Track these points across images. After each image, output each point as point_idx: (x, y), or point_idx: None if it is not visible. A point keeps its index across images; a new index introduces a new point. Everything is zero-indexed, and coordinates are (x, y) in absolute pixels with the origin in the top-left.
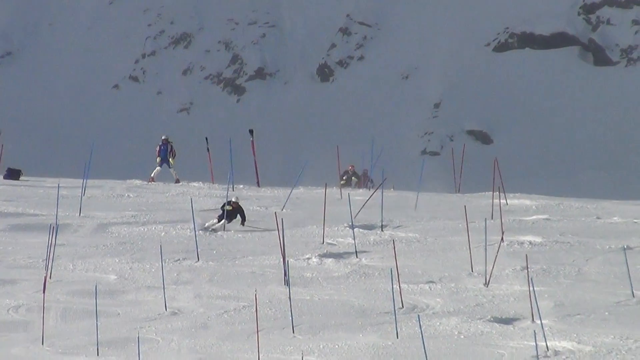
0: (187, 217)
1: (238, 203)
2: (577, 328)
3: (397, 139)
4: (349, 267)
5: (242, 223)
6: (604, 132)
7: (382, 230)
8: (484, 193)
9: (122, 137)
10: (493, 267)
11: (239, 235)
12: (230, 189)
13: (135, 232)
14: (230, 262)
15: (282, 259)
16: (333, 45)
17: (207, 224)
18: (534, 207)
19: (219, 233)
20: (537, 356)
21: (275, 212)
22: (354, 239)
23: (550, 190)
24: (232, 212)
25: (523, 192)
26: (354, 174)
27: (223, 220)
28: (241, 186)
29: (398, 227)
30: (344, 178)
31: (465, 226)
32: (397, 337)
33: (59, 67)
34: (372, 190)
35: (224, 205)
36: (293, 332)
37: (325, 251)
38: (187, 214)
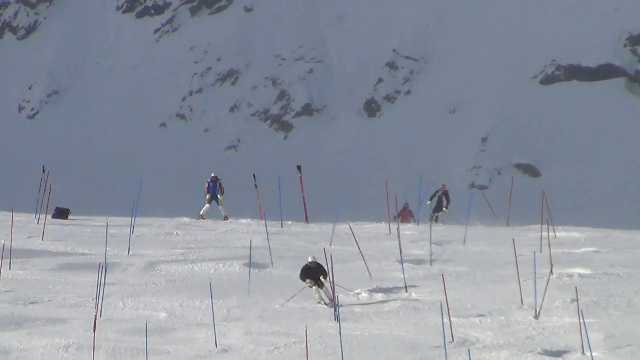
0: (237, 254)
1: (316, 262)
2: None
3: (445, 173)
4: (399, 301)
5: (325, 278)
6: None
7: (431, 264)
8: (532, 226)
9: (169, 175)
10: (543, 300)
11: (288, 271)
12: (279, 226)
13: (184, 269)
14: (279, 298)
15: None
16: (380, 80)
17: (320, 302)
18: (582, 239)
19: (268, 269)
20: None
21: (324, 248)
22: (404, 273)
23: (599, 222)
24: (314, 271)
25: (571, 225)
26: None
27: (314, 286)
28: (290, 222)
29: (447, 261)
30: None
31: (514, 259)
32: None
33: (106, 105)
34: (417, 224)
35: (303, 273)
36: None
37: (374, 286)
38: (236, 251)
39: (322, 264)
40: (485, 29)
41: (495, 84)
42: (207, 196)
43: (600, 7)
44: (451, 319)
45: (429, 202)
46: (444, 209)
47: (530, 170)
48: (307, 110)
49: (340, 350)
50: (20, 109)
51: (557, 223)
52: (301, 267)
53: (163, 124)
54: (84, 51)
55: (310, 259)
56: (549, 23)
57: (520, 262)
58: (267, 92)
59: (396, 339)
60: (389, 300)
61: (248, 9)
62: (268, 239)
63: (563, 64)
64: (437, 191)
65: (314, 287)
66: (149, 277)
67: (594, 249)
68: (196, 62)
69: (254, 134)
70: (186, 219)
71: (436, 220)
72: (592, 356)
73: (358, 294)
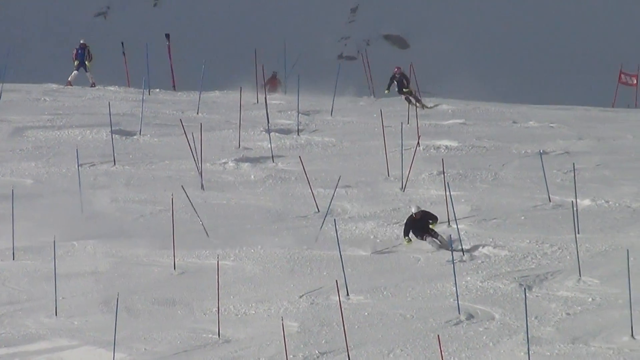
0: (104, 121)
1: (422, 211)
2: (493, 232)
3: (313, 44)
4: (266, 171)
5: (434, 223)
6: (520, 35)
7: (298, 134)
8: (400, 97)
9: (38, 41)
10: (409, 172)
11: (155, 139)
12: (147, 93)
13: (51, 136)
14: (146, 166)
15: (197, 164)
16: None
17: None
18: (450, 111)
19: (135, 137)
20: (453, 260)
21: (180, 120)
22: (270, 143)
23: (467, 95)
24: (421, 221)
25: (439, 97)
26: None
27: (428, 238)
28: (157, 90)
29: (314, 131)
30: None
31: (382, 130)
32: (315, 241)
33: None
34: (284, 93)
35: (408, 227)
36: (208, 236)
37: (241, 155)
38: (104, 117)
39: (428, 211)
40: None
41: None
42: (75, 63)
43: None
44: (318, 189)
45: (387, 91)
46: (404, 90)
47: (399, 42)
48: None
49: (206, 218)
50: None
51: (425, 95)
52: (405, 221)
53: None
54: None
55: (414, 210)
56: None
57: (387, 134)
58: None
59: (262, 209)
60: (256, 170)
61: None
62: (142, 107)
63: None
64: (394, 75)
65: (427, 239)
66: (16, 143)
67: (461, 121)
68: None
69: (123, 1)
70: (54, 86)
71: (408, 100)
72: (457, 228)
73: (225, 163)
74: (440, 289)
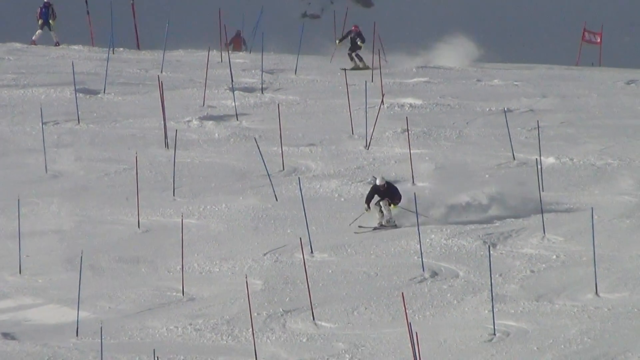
0: (68, 80)
1: (387, 183)
2: (458, 190)
3: (276, 2)
4: (230, 129)
5: (396, 204)
6: None
7: (262, 92)
8: (364, 56)
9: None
10: (374, 130)
11: (119, 98)
12: (111, 52)
13: (15, 94)
14: (110, 124)
15: (162, 121)
16: None
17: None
18: (414, 69)
19: (99, 95)
20: (417, 219)
21: (158, 75)
22: (235, 101)
23: (431, 54)
24: (385, 194)
25: (404, 55)
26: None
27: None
28: (121, 49)
29: (278, 89)
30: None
31: (346, 88)
32: (277, 200)
33: None
34: (249, 52)
35: (370, 195)
36: (173, 194)
37: (205, 114)
38: (68, 76)
39: (392, 184)
40: None
41: None
42: (39, 22)
43: None
44: (282, 148)
45: (338, 42)
46: (359, 43)
47: (363, 1)
48: None
49: (170, 177)
50: None
51: (390, 54)
52: (369, 190)
53: None
54: None
55: (379, 181)
56: None
57: (351, 92)
58: None
59: (226, 167)
60: (220, 128)
61: None
62: (107, 66)
63: None
64: (349, 32)
65: (382, 203)
66: None
67: (425, 79)
68: None
69: None
70: (18, 45)
71: (351, 59)
72: (422, 187)
73: (189, 121)
74: (405, 246)
